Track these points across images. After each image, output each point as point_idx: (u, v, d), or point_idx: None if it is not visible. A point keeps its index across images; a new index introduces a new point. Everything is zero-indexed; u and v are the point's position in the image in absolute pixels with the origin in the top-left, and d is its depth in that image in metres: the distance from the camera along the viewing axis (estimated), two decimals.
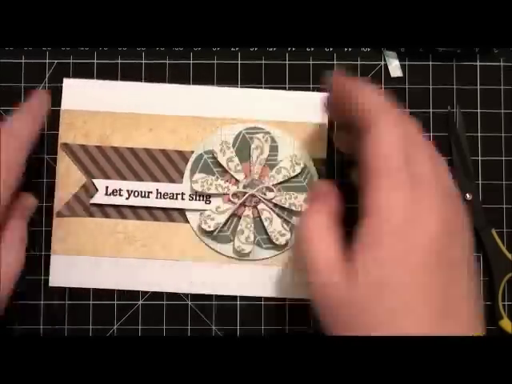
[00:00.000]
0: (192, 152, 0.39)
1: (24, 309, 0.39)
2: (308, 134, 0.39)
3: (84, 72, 0.40)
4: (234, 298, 0.39)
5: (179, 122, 0.39)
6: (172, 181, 0.39)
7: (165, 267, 0.39)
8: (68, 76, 0.40)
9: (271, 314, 0.40)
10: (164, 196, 0.39)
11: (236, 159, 0.39)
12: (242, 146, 0.39)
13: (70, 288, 0.39)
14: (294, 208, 0.39)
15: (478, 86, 0.40)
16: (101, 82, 0.40)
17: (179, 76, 0.40)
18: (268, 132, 0.39)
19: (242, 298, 0.39)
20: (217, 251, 0.39)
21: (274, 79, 0.40)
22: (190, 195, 0.39)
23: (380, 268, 0.28)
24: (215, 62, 0.40)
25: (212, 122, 0.39)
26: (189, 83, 0.40)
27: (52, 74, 0.40)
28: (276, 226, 0.39)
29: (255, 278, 0.39)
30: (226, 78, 0.40)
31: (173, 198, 0.39)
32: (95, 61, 0.40)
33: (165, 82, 0.40)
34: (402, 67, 0.41)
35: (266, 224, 0.39)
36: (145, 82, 0.40)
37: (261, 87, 0.40)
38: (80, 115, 0.39)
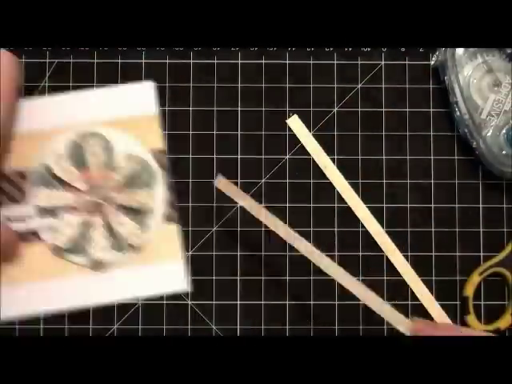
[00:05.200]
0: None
1: None
2: (141, 127, 0.39)
3: (84, 72, 0.40)
4: (234, 298, 0.39)
5: (14, 138, 0.38)
6: (16, 202, 0.38)
7: (30, 290, 0.38)
8: (68, 76, 0.40)
9: (272, 314, 0.40)
10: (11, 220, 0.38)
11: (73, 169, 0.38)
12: (77, 154, 0.39)
13: None
14: (139, 206, 0.38)
15: None
16: None
17: (178, 76, 0.40)
18: (100, 134, 0.39)
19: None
20: (76, 264, 0.38)
21: (274, 79, 0.40)
22: (36, 213, 0.38)
23: None
24: (215, 61, 0.40)
25: (44, 134, 0.39)
26: (189, 83, 0.40)
27: (52, 73, 0.40)
28: (128, 228, 0.38)
29: (120, 283, 0.39)
30: (226, 77, 0.40)
31: (21, 220, 0.38)
32: (95, 61, 0.40)
33: (165, 83, 0.40)
34: (402, 67, 0.41)
35: (118, 228, 0.38)
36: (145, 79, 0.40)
37: (261, 87, 0.40)
38: None
